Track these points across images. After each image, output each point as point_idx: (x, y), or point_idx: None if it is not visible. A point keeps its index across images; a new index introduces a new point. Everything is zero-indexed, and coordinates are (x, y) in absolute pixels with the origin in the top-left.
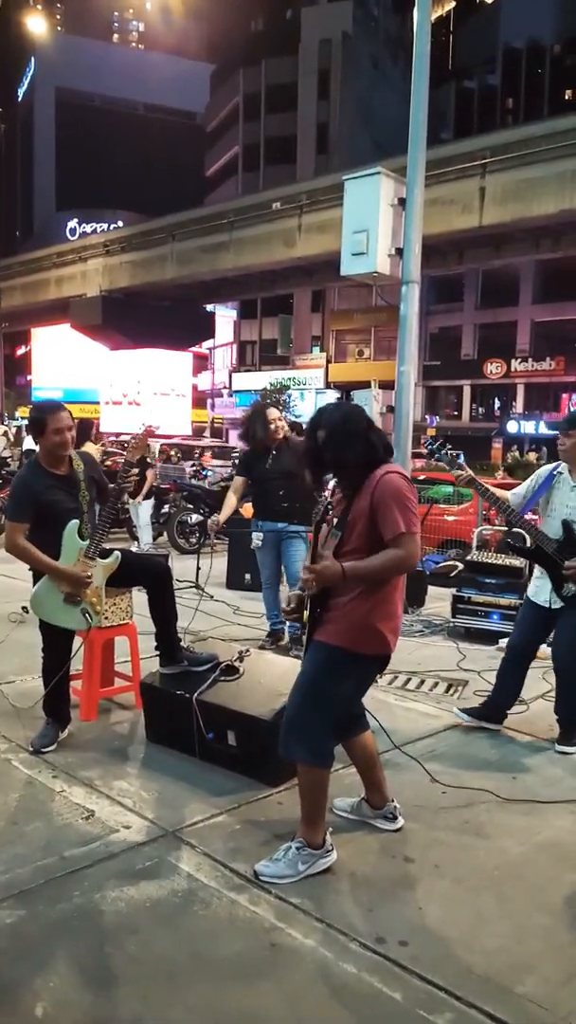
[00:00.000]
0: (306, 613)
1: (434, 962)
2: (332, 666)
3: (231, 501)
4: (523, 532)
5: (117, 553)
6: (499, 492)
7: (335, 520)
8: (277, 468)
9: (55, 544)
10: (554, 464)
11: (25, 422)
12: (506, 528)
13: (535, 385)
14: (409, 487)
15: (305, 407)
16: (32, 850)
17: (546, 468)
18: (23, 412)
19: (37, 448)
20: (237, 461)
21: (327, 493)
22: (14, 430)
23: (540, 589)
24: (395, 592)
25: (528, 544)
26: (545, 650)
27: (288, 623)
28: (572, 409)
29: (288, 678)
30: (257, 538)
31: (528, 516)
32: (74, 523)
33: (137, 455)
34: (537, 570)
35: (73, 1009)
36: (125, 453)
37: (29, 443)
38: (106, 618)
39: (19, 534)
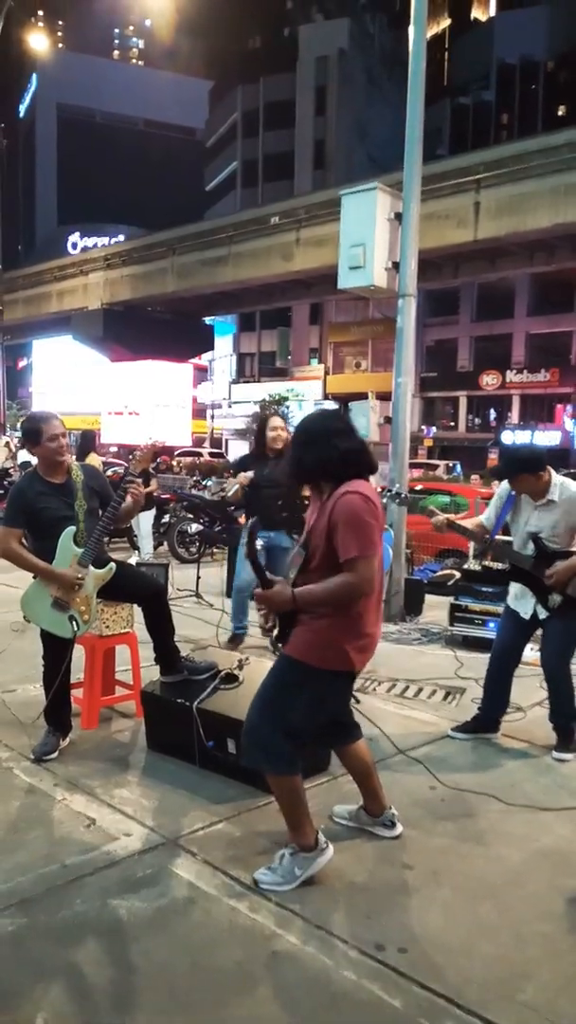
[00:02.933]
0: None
1: (434, 969)
2: (289, 679)
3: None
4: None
5: (112, 564)
6: (473, 522)
7: (303, 538)
8: (273, 477)
9: (51, 552)
10: None
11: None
12: (480, 557)
13: (530, 396)
14: (367, 508)
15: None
16: (33, 858)
17: (505, 487)
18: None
19: (32, 459)
20: (235, 461)
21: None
22: (16, 441)
23: (522, 601)
24: (363, 610)
25: (506, 566)
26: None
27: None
28: (505, 447)
29: None
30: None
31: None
32: (71, 529)
33: (141, 467)
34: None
35: (73, 1019)
36: (128, 465)
37: (23, 455)
38: (107, 627)
39: (11, 539)
